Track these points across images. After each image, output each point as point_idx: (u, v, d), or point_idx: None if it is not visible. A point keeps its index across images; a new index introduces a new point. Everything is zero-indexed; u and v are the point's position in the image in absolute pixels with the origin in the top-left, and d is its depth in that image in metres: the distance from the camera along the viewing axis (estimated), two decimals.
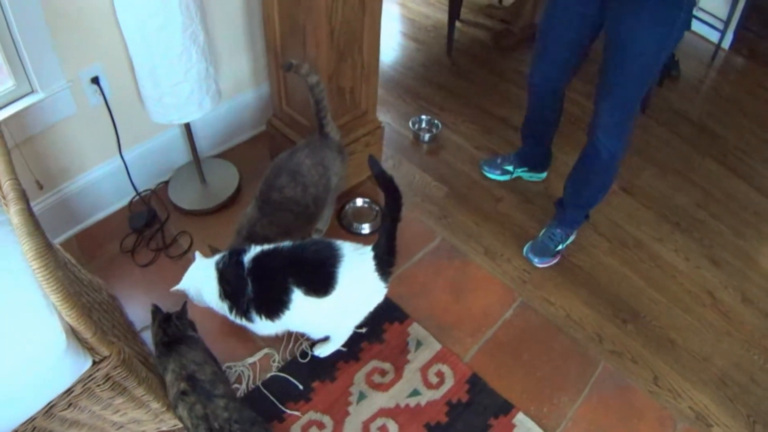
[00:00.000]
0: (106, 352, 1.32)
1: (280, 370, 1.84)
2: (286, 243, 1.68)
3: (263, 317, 1.66)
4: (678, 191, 2.61)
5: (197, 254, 1.77)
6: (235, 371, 1.83)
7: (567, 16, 1.88)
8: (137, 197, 2.30)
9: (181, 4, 1.73)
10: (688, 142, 2.88)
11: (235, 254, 1.67)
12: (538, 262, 2.20)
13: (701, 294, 2.21)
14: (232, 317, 1.71)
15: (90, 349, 1.31)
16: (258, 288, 1.63)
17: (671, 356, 2.01)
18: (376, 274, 1.63)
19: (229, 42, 2.29)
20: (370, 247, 1.64)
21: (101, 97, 1.98)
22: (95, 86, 1.95)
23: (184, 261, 2.13)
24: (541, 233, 2.25)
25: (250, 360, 1.87)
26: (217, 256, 1.72)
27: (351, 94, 2.13)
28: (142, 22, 1.72)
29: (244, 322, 1.70)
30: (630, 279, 2.23)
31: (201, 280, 1.71)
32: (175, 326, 1.62)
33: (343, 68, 2.02)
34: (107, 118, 2.05)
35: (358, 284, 1.64)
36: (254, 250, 1.67)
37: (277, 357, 1.88)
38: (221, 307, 1.71)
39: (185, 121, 2.01)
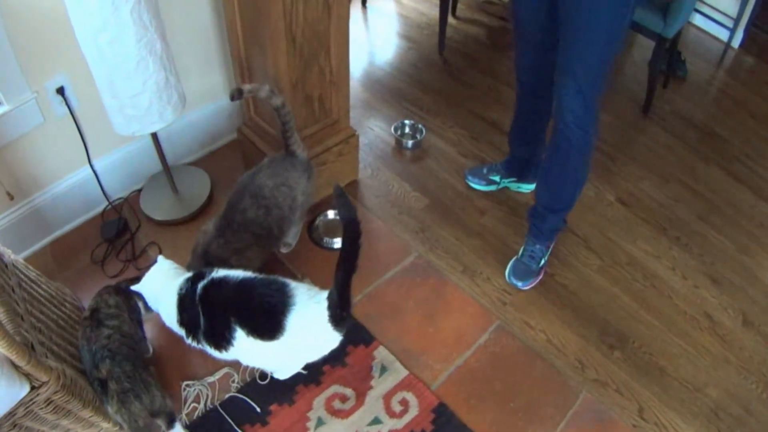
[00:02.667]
0: (44, 378, 1.35)
1: (239, 391, 1.80)
2: (238, 273, 1.61)
3: (212, 348, 1.60)
4: (679, 202, 2.49)
5: (160, 258, 1.72)
6: (194, 390, 1.80)
7: None
8: (110, 206, 2.29)
9: (133, 14, 1.68)
10: (692, 148, 2.76)
11: (196, 279, 1.61)
12: (522, 286, 2.10)
13: (698, 316, 2.10)
14: (188, 341, 1.65)
15: (27, 375, 1.33)
16: (205, 318, 1.57)
17: (660, 386, 1.90)
18: (329, 325, 1.54)
19: (200, 49, 2.25)
20: (325, 294, 1.55)
21: (67, 108, 1.98)
22: (61, 97, 1.95)
23: None
24: (520, 252, 2.15)
25: (210, 379, 1.83)
26: (181, 279, 1.63)
27: (320, 103, 2.05)
28: (96, 34, 1.68)
29: (199, 346, 1.64)
30: (620, 300, 2.12)
31: (159, 292, 1.66)
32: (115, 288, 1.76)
33: (309, 76, 1.94)
34: (75, 128, 2.04)
35: (309, 333, 1.56)
36: (208, 276, 1.61)
37: (236, 377, 1.83)
38: (178, 330, 1.65)
39: (147, 132, 1.98)
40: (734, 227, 2.42)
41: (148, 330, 1.86)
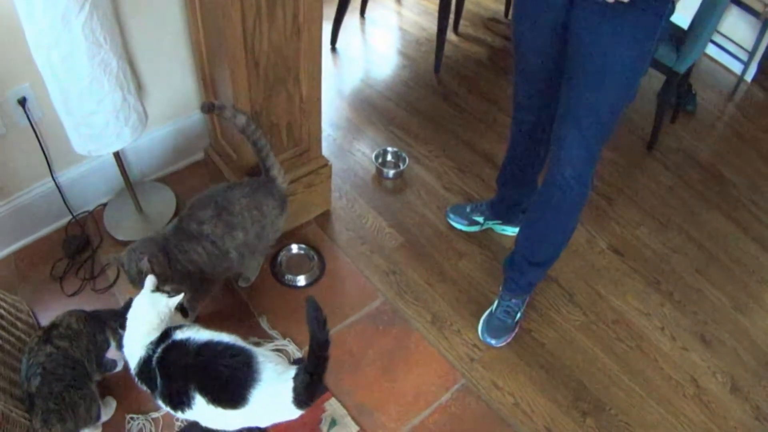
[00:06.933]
0: None
1: (182, 430, 1.75)
2: (201, 336, 1.52)
3: (169, 408, 1.53)
4: (676, 252, 2.38)
5: (149, 280, 1.59)
6: (138, 424, 1.75)
7: (535, 28, 1.66)
8: (73, 220, 2.24)
9: (85, 30, 1.61)
10: (695, 191, 2.64)
11: (161, 340, 1.52)
12: (497, 344, 1.99)
13: (684, 382, 1.99)
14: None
15: None
16: (162, 382, 1.50)
17: None
18: (292, 405, 1.47)
19: (169, 63, 2.18)
20: (293, 373, 1.48)
21: (28, 119, 1.93)
22: (21, 108, 1.90)
23: (107, 295, 2.06)
24: (495, 306, 2.03)
25: (154, 414, 1.77)
26: (152, 337, 1.53)
27: (288, 131, 1.95)
28: (48, 51, 1.62)
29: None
30: (601, 362, 2.01)
31: (132, 338, 1.55)
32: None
33: (276, 102, 1.85)
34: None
35: (271, 408, 1.49)
36: (171, 337, 1.52)
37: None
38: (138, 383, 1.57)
39: (104, 152, 1.93)
40: (732, 282, 2.30)
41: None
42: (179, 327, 1.54)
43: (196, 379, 1.46)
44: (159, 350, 1.49)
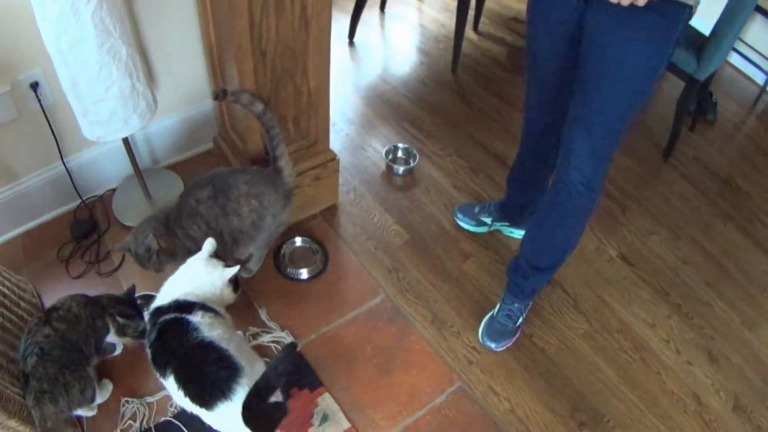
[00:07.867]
0: None
1: (176, 416, 1.74)
2: (204, 334, 1.50)
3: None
4: (687, 264, 2.32)
5: (208, 243, 1.62)
6: (132, 407, 1.76)
7: (548, 29, 1.61)
8: (82, 204, 2.26)
9: (95, 18, 1.61)
10: (711, 202, 2.58)
11: (179, 308, 1.55)
12: (496, 348, 1.96)
13: (686, 397, 1.94)
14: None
15: None
16: (154, 341, 1.53)
17: None
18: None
19: (184, 52, 2.17)
20: None
21: (39, 104, 1.95)
22: (33, 92, 1.92)
23: (111, 279, 2.07)
24: (496, 310, 2.00)
25: (149, 399, 1.78)
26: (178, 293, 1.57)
27: (295, 124, 1.93)
28: (58, 37, 1.62)
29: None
30: (602, 372, 1.97)
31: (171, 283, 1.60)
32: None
33: (283, 95, 1.83)
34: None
35: (231, 425, 1.46)
36: (185, 313, 1.53)
37: (175, 401, 1.74)
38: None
39: (112, 139, 1.92)
40: (743, 297, 2.25)
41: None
42: (207, 309, 1.54)
43: (177, 365, 1.46)
44: (171, 315, 1.51)
